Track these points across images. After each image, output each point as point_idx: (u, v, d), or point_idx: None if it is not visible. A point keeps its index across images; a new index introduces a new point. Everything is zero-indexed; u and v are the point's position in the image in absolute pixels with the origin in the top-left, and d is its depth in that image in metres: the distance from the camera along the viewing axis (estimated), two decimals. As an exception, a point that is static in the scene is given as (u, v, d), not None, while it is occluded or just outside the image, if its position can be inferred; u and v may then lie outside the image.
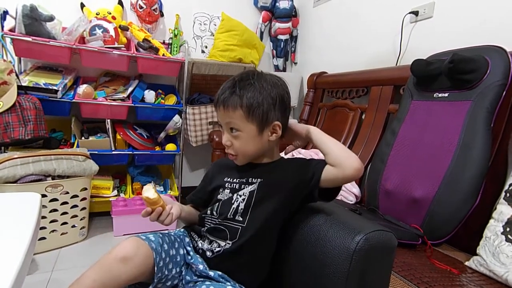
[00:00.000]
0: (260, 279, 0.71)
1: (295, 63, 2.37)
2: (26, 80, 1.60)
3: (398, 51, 1.46)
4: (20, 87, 1.48)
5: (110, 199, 1.75)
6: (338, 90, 1.72)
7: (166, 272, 0.66)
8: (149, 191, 0.65)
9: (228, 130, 0.70)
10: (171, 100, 1.94)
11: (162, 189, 2.01)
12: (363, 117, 1.53)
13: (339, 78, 1.71)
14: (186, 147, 2.06)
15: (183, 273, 0.70)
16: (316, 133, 0.72)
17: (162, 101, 1.91)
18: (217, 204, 0.73)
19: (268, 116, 0.68)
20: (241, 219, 0.69)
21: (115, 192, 1.83)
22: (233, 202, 0.71)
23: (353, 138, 1.49)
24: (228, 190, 0.73)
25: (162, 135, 1.93)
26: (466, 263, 0.87)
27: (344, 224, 0.63)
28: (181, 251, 0.71)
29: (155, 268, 0.63)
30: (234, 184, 0.73)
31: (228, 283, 0.67)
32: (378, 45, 1.60)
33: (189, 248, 0.72)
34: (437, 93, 1.08)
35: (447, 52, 1.09)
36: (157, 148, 1.94)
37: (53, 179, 1.44)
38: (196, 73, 1.93)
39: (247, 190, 0.70)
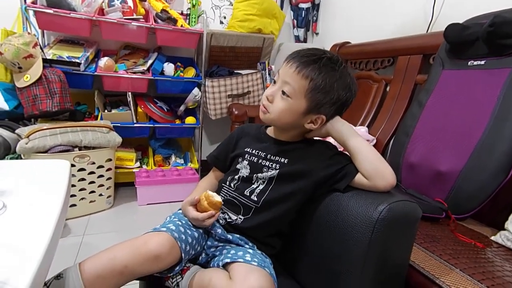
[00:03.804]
0: (270, 252, 0.72)
1: (317, 34, 2.27)
2: (50, 53, 1.63)
3: (429, 17, 1.35)
4: (44, 60, 1.52)
5: (134, 170, 1.81)
6: (362, 61, 1.64)
7: (193, 252, 0.67)
8: (216, 196, 0.67)
9: (280, 88, 0.66)
10: (190, 73, 1.93)
11: (183, 162, 2.06)
12: (387, 89, 1.46)
13: (363, 48, 1.63)
14: (206, 120, 2.08)
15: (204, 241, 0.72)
16: (345, 130, 0.67)
17: (181, 74, 1.91)
18: (237, 178, 0.74)
19: (323, 106, 0.65)
20: (256, 199, 0.70)
21: (138, 163, 1.89)
22: (253, 182, 0.71)
23: (376, 111, 1.44)
24: (247, 162, 0.74)
25: (182, 108, 1.95)
26: (492, 238, 0.84)
27: (366, 194, 0.62)
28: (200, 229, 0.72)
29: (182, 255, 0.63)
30: (253, 157, 0.73)
31: (247, 245, 0.69)
32: (407, 11, 1.49)
33: None
34: (472, 61, 1.00)
35: (487, 14, 0.99)
36: (177, 121, 1.97)
37: (79, 150, 1.50)
38: (214, 45, 1.90)
39: (267, 174, 0.70)
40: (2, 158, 1.40)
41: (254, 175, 0.71)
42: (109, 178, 1.64)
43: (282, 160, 0.70)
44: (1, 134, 1.41)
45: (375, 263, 0.58)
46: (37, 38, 1.54)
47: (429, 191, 0.98)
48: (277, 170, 0.69)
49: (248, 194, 0.71)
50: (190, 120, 1.97)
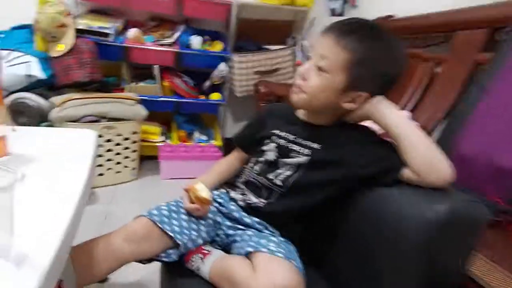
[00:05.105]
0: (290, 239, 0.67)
1: (355, 6, 2.08)
2: (81, 24, 1.61)
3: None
4: (76, 30, 1.49)
5: (158, 144, 1.81)
6: (409, 37, 1.47)
7: (196, 234, 0.65)
8: (204, 191, 0.64)
9: (315, 64, 0.58)
10: (218, 47, 1.85)
11: (206, 138, 2.03)
12: (438, 70, 1.30)
13: (412, 22, 1.45)
14: (231, 97, 2.00)
15: (220, 222, 0.69)
16: (390, 112, 0.57)
17: (208, 47, 1.83)
18: (262, 160, 0.68)
19: (365, 83, 0.56)
20: (281, 184, 0.64)
21: (162, 138, 1.88)
22: (279, 166, 0.65)
23: (422, 94, 1.30)
24: (274, 145, 0.68)
25: (207, 83, 1.89)
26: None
27: (419, 190, 0.53)
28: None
29: (175, 236, 0.61)
30: (281, 140, 0.67)
31: (267, 231, 0.65)
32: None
33: (221, 200, 0.71)
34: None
35: None
36: (202, 97, 1.92)
37: (108, 121, 1.50)
38: (243, 17, 1.80)
39: (295, 160, 0.63)
40: (37, 125, 1.42)
41: (281, 160, 0.65)
42: (134, 151, 1.64)
43: (314, 145, 0.63)
44: (38, 102, 1.43)
45: (425, 270, 0.50)
46: (69, 8, 1.51)
47: (484, 188, 0.86)
48: (308, 157, 0.62)
49: (272, 177, 0.65)
50: (215, 96, 1.91)
